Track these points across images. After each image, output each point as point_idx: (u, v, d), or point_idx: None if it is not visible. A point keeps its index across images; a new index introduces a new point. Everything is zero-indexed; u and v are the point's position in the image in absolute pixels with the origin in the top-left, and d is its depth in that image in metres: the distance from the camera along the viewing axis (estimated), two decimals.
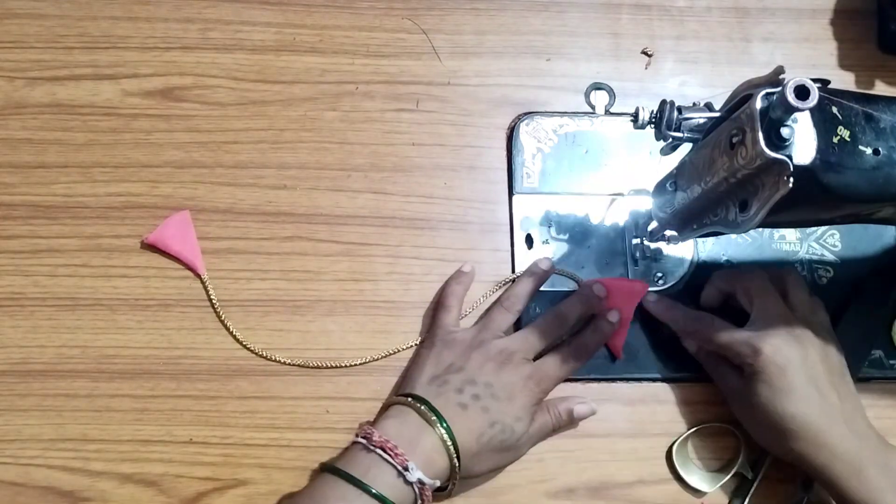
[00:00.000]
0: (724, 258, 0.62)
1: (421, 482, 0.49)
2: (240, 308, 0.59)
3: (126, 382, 0.58)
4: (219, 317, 0.59)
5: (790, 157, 0.44)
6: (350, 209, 0.62)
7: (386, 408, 0.53)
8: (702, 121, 0.51)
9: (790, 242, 0.63)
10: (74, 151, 0.62)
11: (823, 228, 0.63)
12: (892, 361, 0.60)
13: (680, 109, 0.51)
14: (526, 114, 0.65)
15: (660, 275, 0.61)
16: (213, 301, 0.59)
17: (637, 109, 0.53)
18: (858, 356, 0.58)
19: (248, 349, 0.58)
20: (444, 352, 0.55)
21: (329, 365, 0.58)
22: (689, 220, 0.54)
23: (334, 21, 0.67)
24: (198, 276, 0.60)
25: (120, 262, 0.60)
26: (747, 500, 0.57)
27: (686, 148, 0.54)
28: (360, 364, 0.59)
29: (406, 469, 0.48)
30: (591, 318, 0.59)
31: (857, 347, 0.58)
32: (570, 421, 0.57)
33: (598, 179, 0.64)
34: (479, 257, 0.62)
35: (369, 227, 0.62)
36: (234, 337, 0.59)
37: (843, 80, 0.67)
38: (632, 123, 0.53)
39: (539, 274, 0.59)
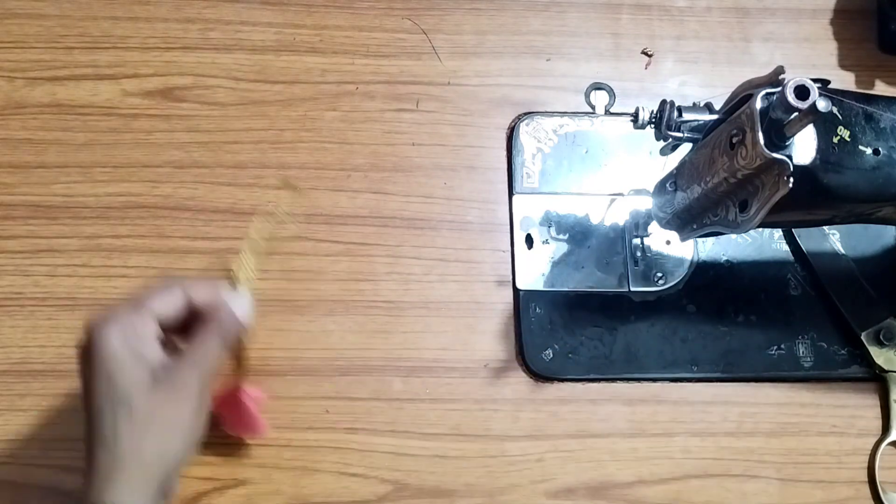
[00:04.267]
0: (724, 258, 0.62)
1: None
2: None
3: None
4: None
5: (790, 157, 0.44)
6: (350, 209, 0.62)
7: None
8: (702, 121, 0.51)
9: (788, 242, 0.63)
10: (74, 151, 0.62)
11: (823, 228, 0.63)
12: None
13: (680, 109, 0.51)
14: (526, 114, 0.65)
15: (660, 275, 0.61)
16: None
17: (637, 109, 0.53)
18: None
19: None
20: None
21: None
22: (689, 220, 0.54)
23: (334, 21, 0.67)
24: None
25: (120, 262, 0.60)
26: None
27: (686, 148, 0.54)
28: None
29: None
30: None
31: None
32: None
33: (598, 179, 0.64)
34: (479, 257, 0.62)
35: (369, 227, 0.62)
36: None
37: (843, 80, 0.67)
38: (632, 123, 0.53)
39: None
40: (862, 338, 0.59)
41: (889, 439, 0.58)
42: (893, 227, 0.63)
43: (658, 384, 0.60)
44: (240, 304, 0.47)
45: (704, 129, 0.51)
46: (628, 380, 0.60)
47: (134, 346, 0.43)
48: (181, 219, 0.61)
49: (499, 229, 0.62)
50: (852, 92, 0.47)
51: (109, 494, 0.42)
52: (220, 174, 0.62)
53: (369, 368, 0.59)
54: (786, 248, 0.63)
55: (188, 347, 0.46)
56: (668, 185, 0.56)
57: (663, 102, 0.51)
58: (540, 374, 0.59)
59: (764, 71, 0.46)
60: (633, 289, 0.61)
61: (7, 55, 0.64)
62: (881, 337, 0.59)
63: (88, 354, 0.43)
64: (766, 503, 0.57)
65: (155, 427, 0.43)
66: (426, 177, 0.63)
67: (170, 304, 0.46)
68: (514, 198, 0.63)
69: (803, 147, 0.44)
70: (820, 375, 0.60)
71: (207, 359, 0.46)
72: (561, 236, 0.62)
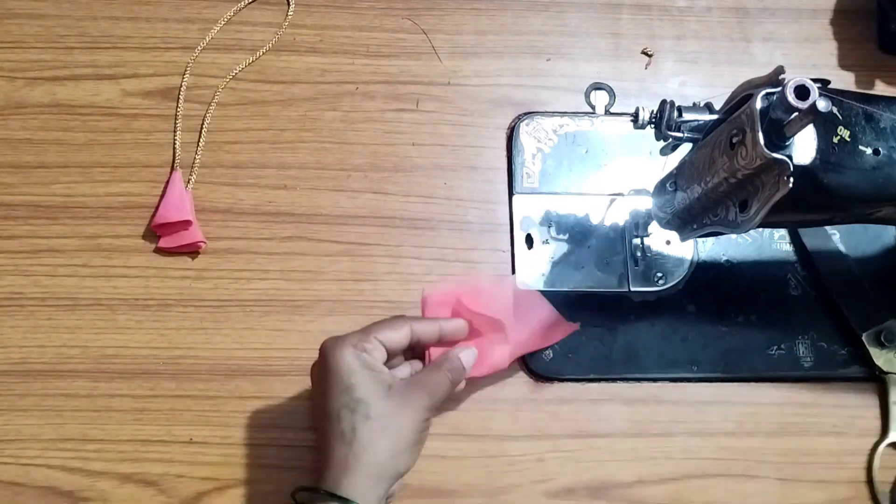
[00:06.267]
0: (724, 258, 0.62)
1: None
2: (240, 308, 0.59)
3: (126, 382, 0.58)
4: None
5: (790, 157, 0.44)
6: (350, 209, 0.62)
7: None
8: (702, 121, 0.51)
9: (790, 242, 0.63)
10: (74, 151, 0.62)
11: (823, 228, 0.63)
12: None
13: (680, 109, 0.51)
14: (526, 114, 0.65)
15: (660, 275, 0.61)
16: None
17: (637, 109, 0.53)
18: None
19: None
20: None
21: None
22: (689, 220, 0.54)
23: (334, 21, 0.67)
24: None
25: (120, 262, 0.60)
26: None
27: (686, 148, 0.54)
28: None
29: None
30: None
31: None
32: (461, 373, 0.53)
33: (598, 179, 0.64)
34: (479, 257, 0.62)
35: (369, 227, 0.62)
36: None
37: (843, 80, 0.67)
38: (632, 123, 0.53)
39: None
40: (863, 339, 0.59)
41: (888, 440, 0.58)
42: (893, 227, 0.63)
43: (658, 384, 0.60)
44: (467, 354, 0.53)
45: (704, 129, 0.51)
46: (628, 380, 0.60)
47: (367, 362, 0.49)
48: None
49: (499, 229, 0.62)
50: (852, 92, 0.47)
51: (343, 484, 0.46)
52: (220, 174, 0.62)
53: None
54: (786, 248, 0.63)
55: (419, 374, 0.52)
56: (668, 185, 0.56)
57: (663, 102, 0.51)
58: (540, 374, 0.59)
59: (764, 71, 0.46)
60: (633, 289, 0.61)
61: (7, 55, 0.64)
62: (882, 338, 0.59)
63: (326, 368, 0.48)
64: (766, 503, 0.57)
65: (389, 430, 0.47)
66: (426, 177, 0.63)
67: (396, 337, 0.51)
68: (514, 198, 0.63)
69: (803, 147, 0.44)
70: (820, 375, 0.60)
71: (437, 388, 0.51)
72: (561, 236, 0.62)
